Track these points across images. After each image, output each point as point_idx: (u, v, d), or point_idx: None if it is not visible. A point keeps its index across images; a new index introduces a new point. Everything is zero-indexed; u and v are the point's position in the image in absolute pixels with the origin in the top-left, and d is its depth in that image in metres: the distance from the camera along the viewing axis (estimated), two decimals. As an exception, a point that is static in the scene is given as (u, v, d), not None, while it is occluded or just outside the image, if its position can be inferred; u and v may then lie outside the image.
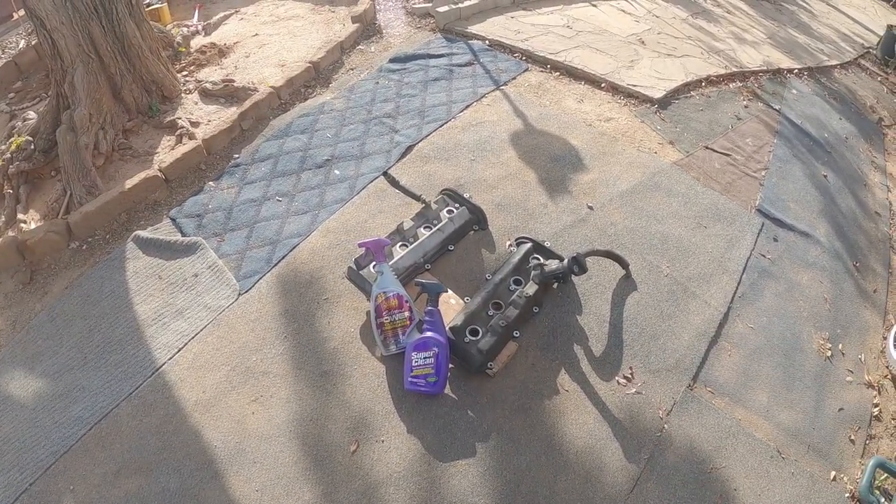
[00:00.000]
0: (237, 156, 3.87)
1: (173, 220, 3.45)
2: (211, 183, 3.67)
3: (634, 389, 2.80)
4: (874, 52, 7.53)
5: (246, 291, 3.06)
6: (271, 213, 3.46)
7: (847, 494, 2.68)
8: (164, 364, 2.77)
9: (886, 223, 4.46)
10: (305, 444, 2.51)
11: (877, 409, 3.11)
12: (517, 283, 3.02)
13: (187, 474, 2.42)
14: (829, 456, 2.81)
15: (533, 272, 3.01)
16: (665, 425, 2.71)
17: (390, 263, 2.92)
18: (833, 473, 2.75)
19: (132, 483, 2.40)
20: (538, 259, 3.15)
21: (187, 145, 3.85)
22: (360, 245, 2.90)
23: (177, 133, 4.12)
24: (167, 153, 3.94)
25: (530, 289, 2.94)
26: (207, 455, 2.48)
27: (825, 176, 4.55)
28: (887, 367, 3.33)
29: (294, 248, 3.26)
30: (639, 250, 3.41)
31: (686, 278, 3.31)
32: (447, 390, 2.68)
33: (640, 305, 3.14)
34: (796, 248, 3.78)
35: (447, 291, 2.97)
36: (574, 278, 3.16)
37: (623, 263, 3.24)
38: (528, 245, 3.21)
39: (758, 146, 4.53)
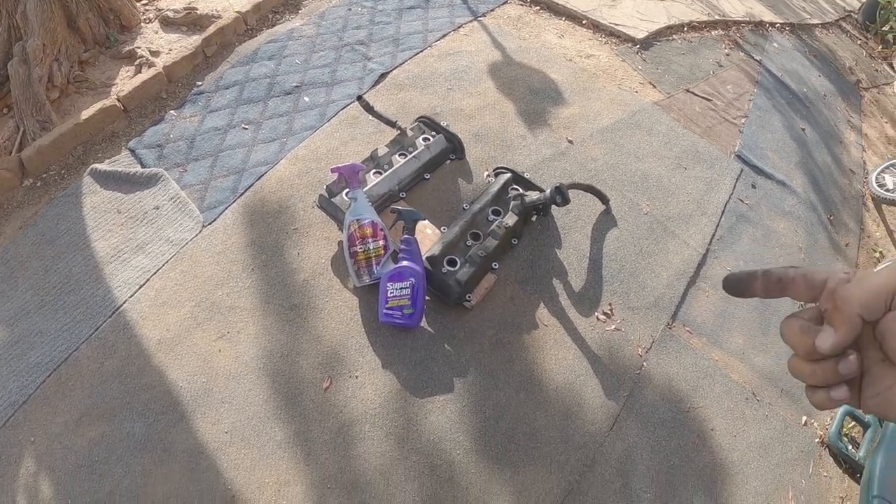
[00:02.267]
0: (200, 83, 3.46)
1: (132, 151, 3.07)
2: (172, 112, 3.27)
3: (614, 326, 2.63)
4: (856, 16, 7.27)
5: (210, 223, 2.73)
6: (237, 142, 3.09)
7: (817, 440, 2.64)
8: (124, 303, 2.46)
9: (860, 181, 4.37)
10: (276, 381, 2.26)
11: (846, 359, 3.04)
12: (496, 213, 2.75)
13: (152, 418, 2.16)
14: (800, 401, 2.74)
15: (513, 202, 2.73)
16: (644, 363, 2.56)
17: (364, 190, 2.61)
18: (804, 418, 2.69)
19: (95, 430, 2.13)
20: (517, 190, 2.88)
21: (147, 73, 3.43)
22: (333, 170, 2.57)
23: (136, 63, 3.68)
24: (126, 83, 3.53)
25: (510, 219, 2.67)
26: (173, 397, 2.21)
27: (803, 129, 4.40)
28: None
29: (261, 176, 2.93)
30: (619, 187, 3.20)
31: (666, 217, 3.13)
32: (423, 323, 2.44)
33: (620, 242, 2.95)
34: (773, 196, 3.65)
35: (425, 219, 2.69)
36: (553, 211, 2.93)
37: (603, 199, 3.02)
38: (508, 175, 2.93)
39: (738, 94, 4.35)
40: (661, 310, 2.77)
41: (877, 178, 4.23)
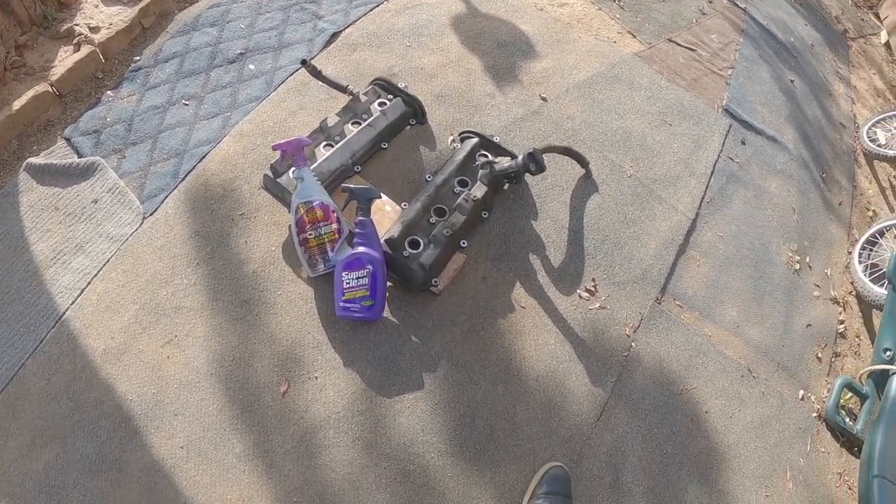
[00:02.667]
0: (138, 58, 3.09)
1: (68, 139, 2.74)
2: (109, 92, 2.92)
3: (598, 304, 2.39)
4: (840, -39, 6.86)
5: (151, 214, 2.44)
6: (177, 120, 2.76)
7: (814, 414, 2.49)
8: (66, 310, 2.20)
9: (851, 135, 4.12)
10: (229, 388, 2.02)
11: (842, 326, 2.88)
12: (462, 184, 2.45)
13: (104, 436, 1.94)
14: (797, 374, 2.57)
15: (481, 171, 2.43)
16: (632, 344, 2.33)
17: (313, 167, 2.30)
18: (801, 392, 2.53)
19: (48, 453, 1.92)
20: (486, 156, 2.56)
21: (80, 52, 3.08)
22: (275, 148, 2.26)
23: (74, 41, 3.33)
24: (60, 65, 3.18)
25: (479, 191, 2.37)
26: (123, 412, 1.98)
27: (792, 81, 4.12)
28: (852, 283, 3.10)
29: (203, 157, 2.60)
30: (599, 147, 2.91)
31: (651, 180, 2.86)
32: (386, 313, 2.18)
33: (602, 209, 2.67)
34: (764, 153, 3.40)
35: (381, 197, 2.38)
36: (528, 178, 2.63)
37: (582, 162, 2.72)
38: (475, 140, 2.60)
39: (723, 44, 4.03)
40: (649, 283, 2.52)
41: (868, 133, 4.03)
